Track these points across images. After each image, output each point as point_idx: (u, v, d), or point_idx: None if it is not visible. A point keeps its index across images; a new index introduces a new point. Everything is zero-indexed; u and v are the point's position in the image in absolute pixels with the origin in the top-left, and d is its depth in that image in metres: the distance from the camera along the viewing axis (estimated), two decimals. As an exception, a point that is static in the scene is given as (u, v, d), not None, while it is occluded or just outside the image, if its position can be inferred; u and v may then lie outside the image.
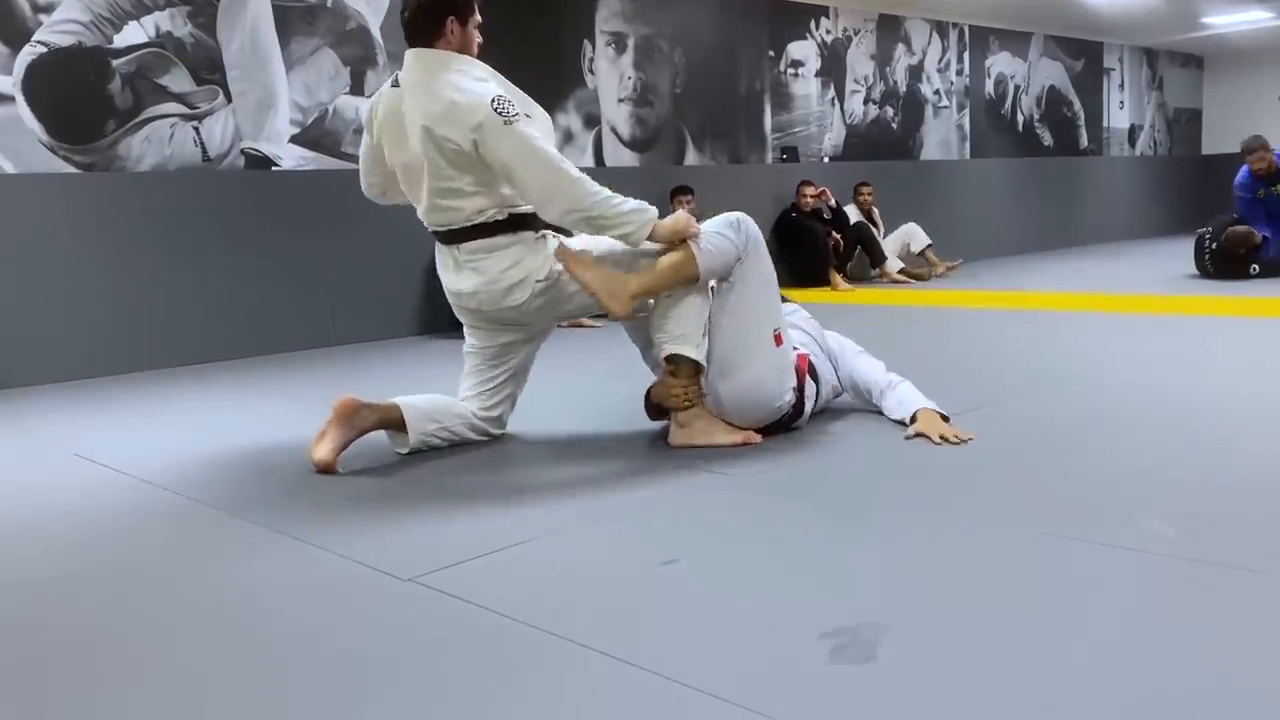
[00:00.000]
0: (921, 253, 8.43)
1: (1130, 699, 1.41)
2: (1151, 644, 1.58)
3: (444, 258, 3.03)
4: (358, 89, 5.93)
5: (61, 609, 1.96)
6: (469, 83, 2.77)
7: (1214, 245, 7.09)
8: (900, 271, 8.24)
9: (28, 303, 4.72)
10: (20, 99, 4.72)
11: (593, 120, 7.16)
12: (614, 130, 7.30)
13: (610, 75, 7.25)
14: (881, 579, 1.91)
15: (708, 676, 1.52)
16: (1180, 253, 8.20)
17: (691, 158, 7.82)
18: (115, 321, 4.99)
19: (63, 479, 2.96)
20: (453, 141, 2.72)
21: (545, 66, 6.86)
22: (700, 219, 2.95)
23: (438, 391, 3.18)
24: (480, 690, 1.54)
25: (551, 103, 6.93)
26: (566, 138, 7.01)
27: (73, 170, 4.89)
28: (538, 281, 2.86)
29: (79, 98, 4.91)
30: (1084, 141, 11.82)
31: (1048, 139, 11.31)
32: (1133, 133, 12.59)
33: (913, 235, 8.44)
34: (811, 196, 8.00)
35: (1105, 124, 12.11)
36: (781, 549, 2.11)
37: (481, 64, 2.88)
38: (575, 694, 1.51)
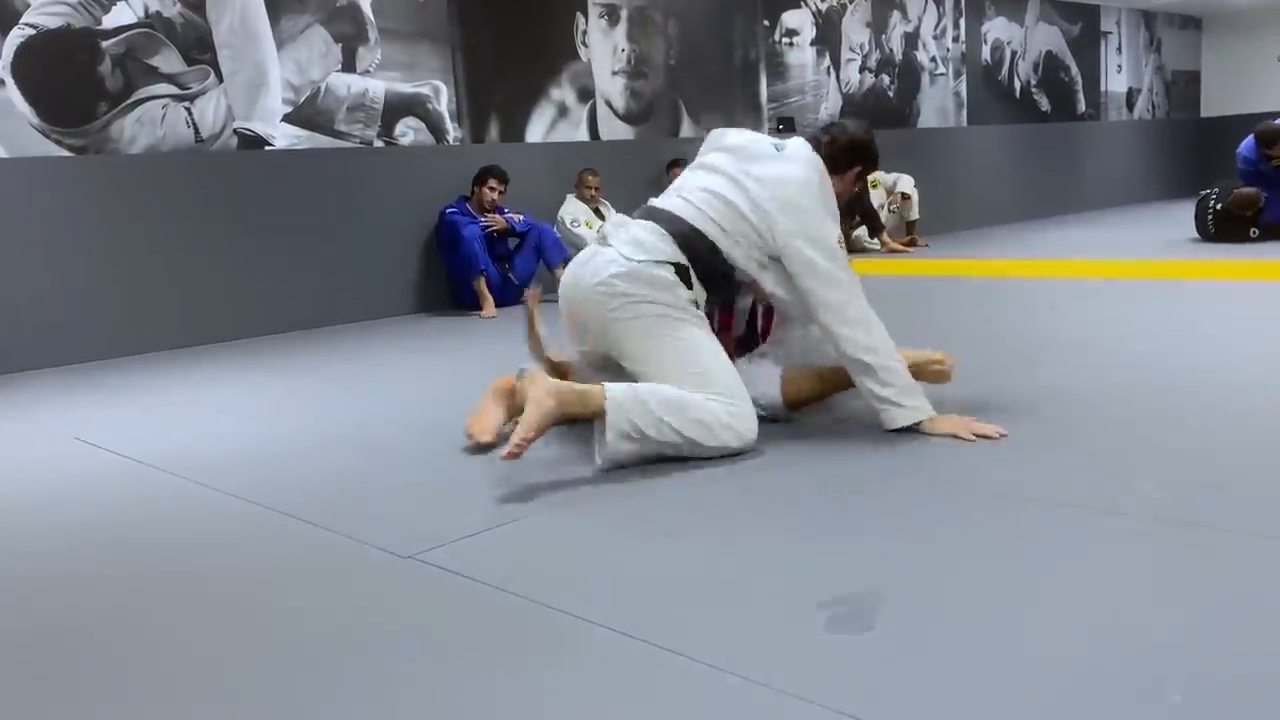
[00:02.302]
0: (911, 224, 8.43)
1: (1127, 665, 1.41)
2: (1148, 610, 1.59)
3: None
4: (349, 66, 5.89)
5: (64, 592, 1.97)
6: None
7: (1218, 206, 7.06)
8: (904, 241, 8.26)
9: (22, 288, 4.71)
10: (10, 82, 4.69)
11: (586, 93, 7.11)
12: (608, 103, 7.26)
13: (603, 47, 7.20)
14: (879, 550, 1.91)
15: (706, 646, 1.53)
16: (1180, 217, 8.18)
17: (687, 129, 7.78)
18: (111, 305, 4.98)
19: (63, 463, 2.97)
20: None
21: (537, 39, 6.82)
22: None
23: (439, 374, 3.16)
24: (481, 664, 1.54)
25: (544, 75, 6.89)
26: (561, 112, 6.98)
27: (65, 154, 4.87)
28: None
29: (69, 80, 4.88)
30: (1082, 106, 11.76)
31: (1045, 104, 11.25)
32: (1130, 96, 12.52)
33: (906, 187, 8.40)
34: None
35: (1103, 88, 12.05)
36: (780, 522, 2.12)
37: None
38: (575, 667, 1.52)
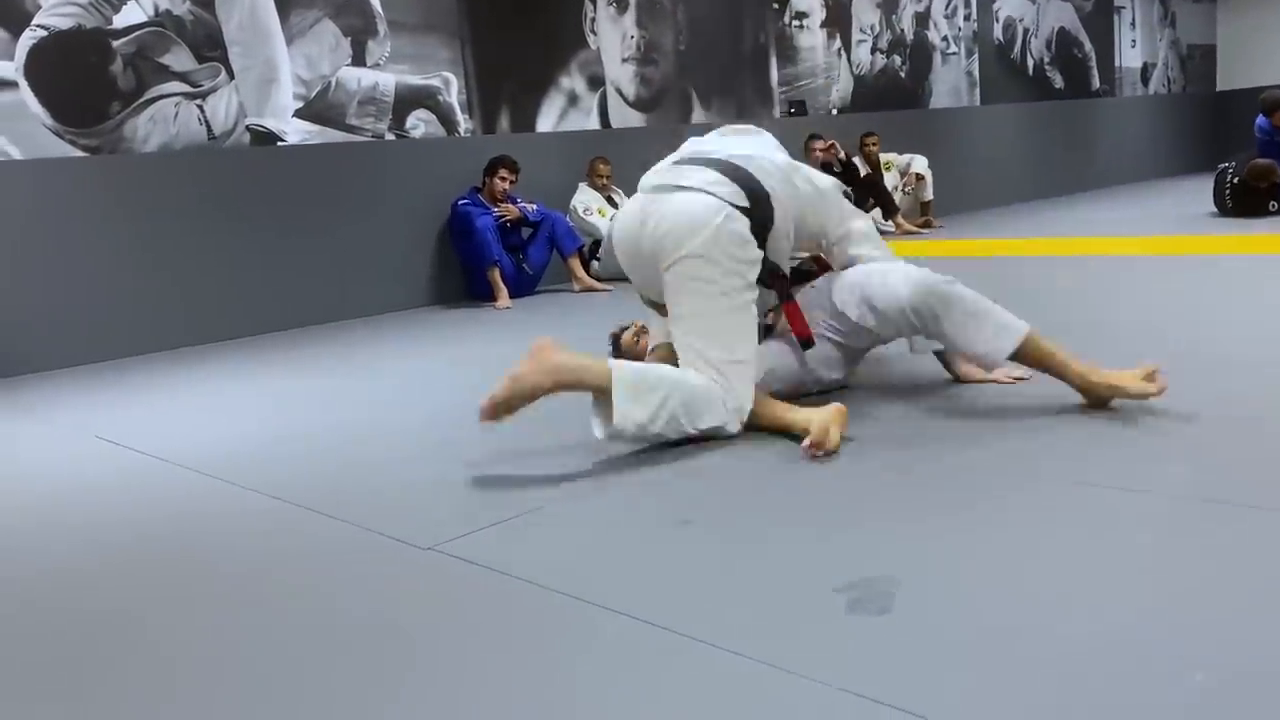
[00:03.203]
0: (925, 205, 8.38)
1: (1153, 645, 1.41)
2: (1173, 590, 1.58)
3: None
4: (359, 60, 5.90)
5: (90, 587, 1.99)
6: None
7: (1235, 180, 7.00)
8: (918, 222, 8.22)
9: (40, 289, 4.75)
10: (23, 84, 4.72)
11: (596, 81, 7.10)
12: (618, 91, 7.25)
13: (612, 35, 7.18)
14: (898, 532, 1.91)
15: (725, 632, 1.53)
16: (1197, 191, 8.11)
17: (698, 115, 7.76)
18: (127, 304, 5.02)
19: (84, 461, 3.00)
20: None
21: (546, 28, 6.80)
22: None
23: (454, 366, 3.17)
24: (502, 654, 1.55)
25: (553, 64, 6.88)
26: (571, 100, 6.97)
27: (79, 154, 4.90)
28: None
29: (82, 80, 4.91)
30: (1096, 83, 11.66)
31: (1059, 82, 11.16)
32: (1145, 72, 12.41)
33: (920, 168, 8.33)
34: (821, 151, 7.93)
35: (1117, 64, 11.94)
36: (795, 506, 2.12)
37: None
38: (596, 655, 1.52)
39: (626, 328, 3.27)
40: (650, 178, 2.72)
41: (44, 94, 4.79)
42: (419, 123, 6.19)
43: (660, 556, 1.90)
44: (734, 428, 2.54)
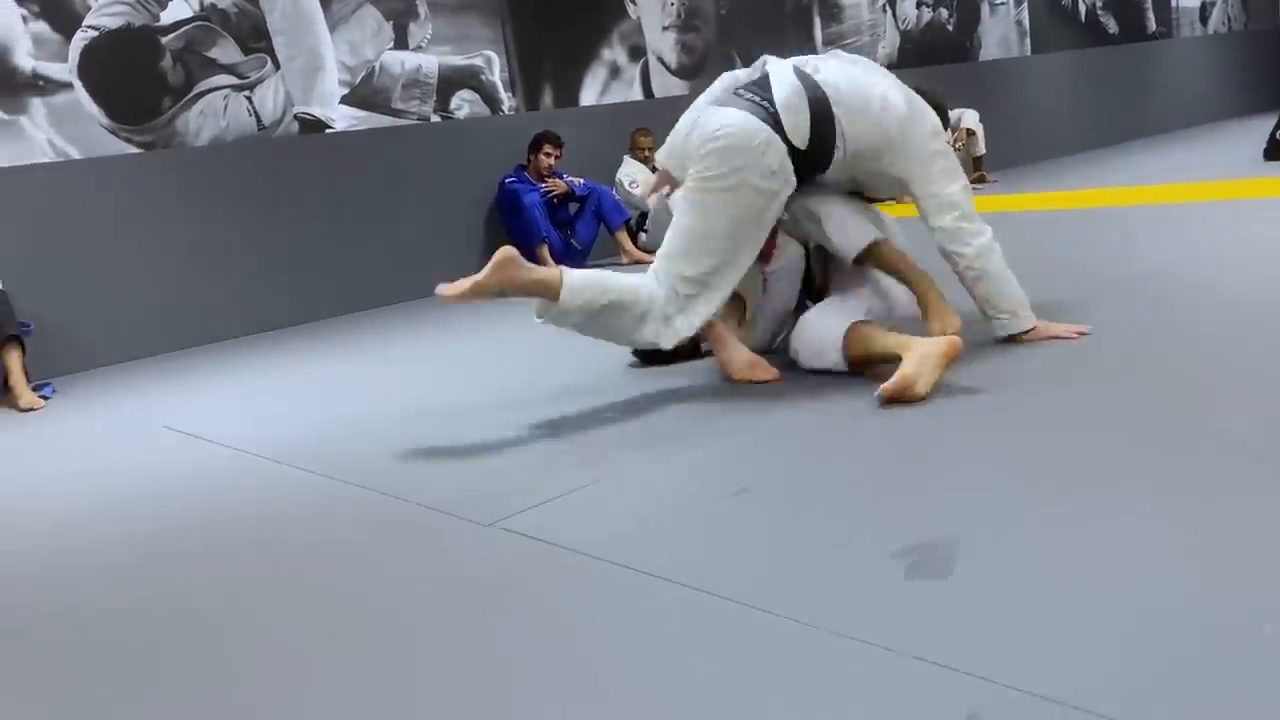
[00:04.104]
0: (978, 159, 8.20)
1: (1219, 600, 1.39)
2: (1236, 545, 1.56)
3: None
4: (401, 43, 5.93)
5: (166, 569, 2.06)
6: None
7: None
8: (972, 178, 8.05)
9: (104, 284, 4.87)
10: (78, 84, 4.82)
11: (638, 51, 7.06)
12: (660, 60, 7.20)
13: (652, 3, 7.12)
14: (955, 495, 1.90)
15: (785, 600, 1.54)
16: (1261, 133, 7.84)
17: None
18: (187, 296, 5.12)
19: (155, 451, 3.08)
20: None
21: (585, 1, 6.77)
22: None
23: (507, 344, 3.20)
24: (563, 627, 1.58)
25: (594, 37, 6.85)
26: (613, 72, 6.94)
27: (135, 150, 5.00)
28: None
29: (133, 78, 5.00)
30: (1152, 25, 11.31)
31: (1113, 26, 10.85)
32: (1204, 10, 12.01)
33: (971, 123, 8.15)
34: None
35: (1174, 4, 11.57)
36: (850, 473, 2.11)
37: None
38: (655, 625, 1.54)
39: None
40: (728, 79, 2.92)
41: (98, 93, 4.89)
42: (463, 103, 6.22)
43: (717, 526, 1.91)
44: (666, 344, 2.69)
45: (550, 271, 2.64)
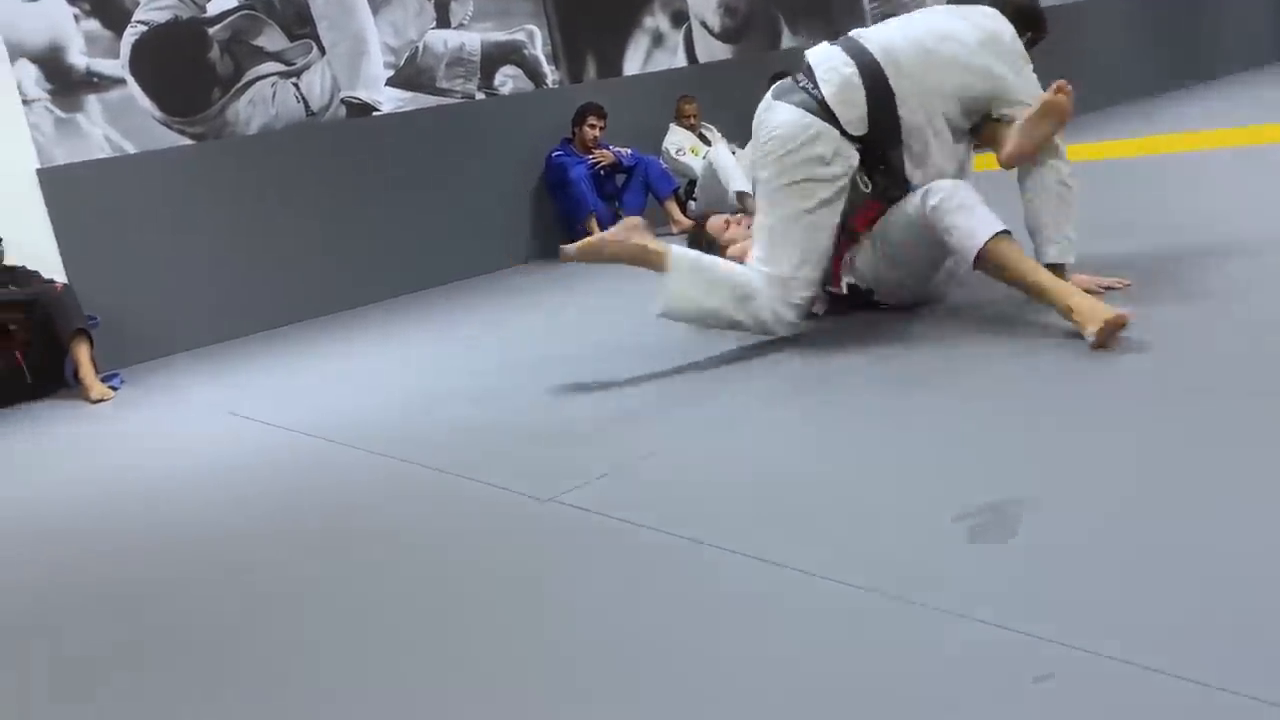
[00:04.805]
0: None
1: (1290, 552, 1.36)
2: (1312, 493, 1.51)
3: None
4: (443, 22, 5.93)
5: (237, 550, 2.11)
6: None
7: None
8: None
9: (165, 275, 4.96)
10: (130, 80, 4.91)
11: (680, 17, 6.99)
12: (704, 24, 7.12)
13: (693, -32, 7.04)
14: (1019, 456, 1.87)
15: (846, 567, 1.53)
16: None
17: (787, 40, 7.57)
18: (244, 284, 5.21)
19: (222, 436, 3.15)
20: None
21: (626, -31, 6.71)
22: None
23: (560, 320, 3.23)
24: (623, 599, 1.59)
25: (636, 6, 6.80)
26: (655, 40, 6.88)
27: (188, 142, 5.08)
28: None
29: (183, 70, 5.07)
30: (1212, -39, 10.90)
31: (1171, -35, 10.48)
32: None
33: None
34: None
35: (1235, -62, 11.14)
36: (908, 437, 2.09)
37: None
38: (716, 595, 1.55)
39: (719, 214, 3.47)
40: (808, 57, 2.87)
41: (149, 87, 4.97)
42: (507, 79, 6.21)
43: (777, 494, 1.90)
44: (782, 331, 2.80)
45: (661, 243, 2.83)
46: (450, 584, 1.78)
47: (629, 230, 2.82)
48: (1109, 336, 2.30)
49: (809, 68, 2.80)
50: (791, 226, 2.74)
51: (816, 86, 2.73)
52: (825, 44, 2.88)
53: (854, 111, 2.70)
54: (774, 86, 2.91)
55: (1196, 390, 2.02)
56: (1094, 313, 2.33)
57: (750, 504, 1.88)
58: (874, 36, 2.81)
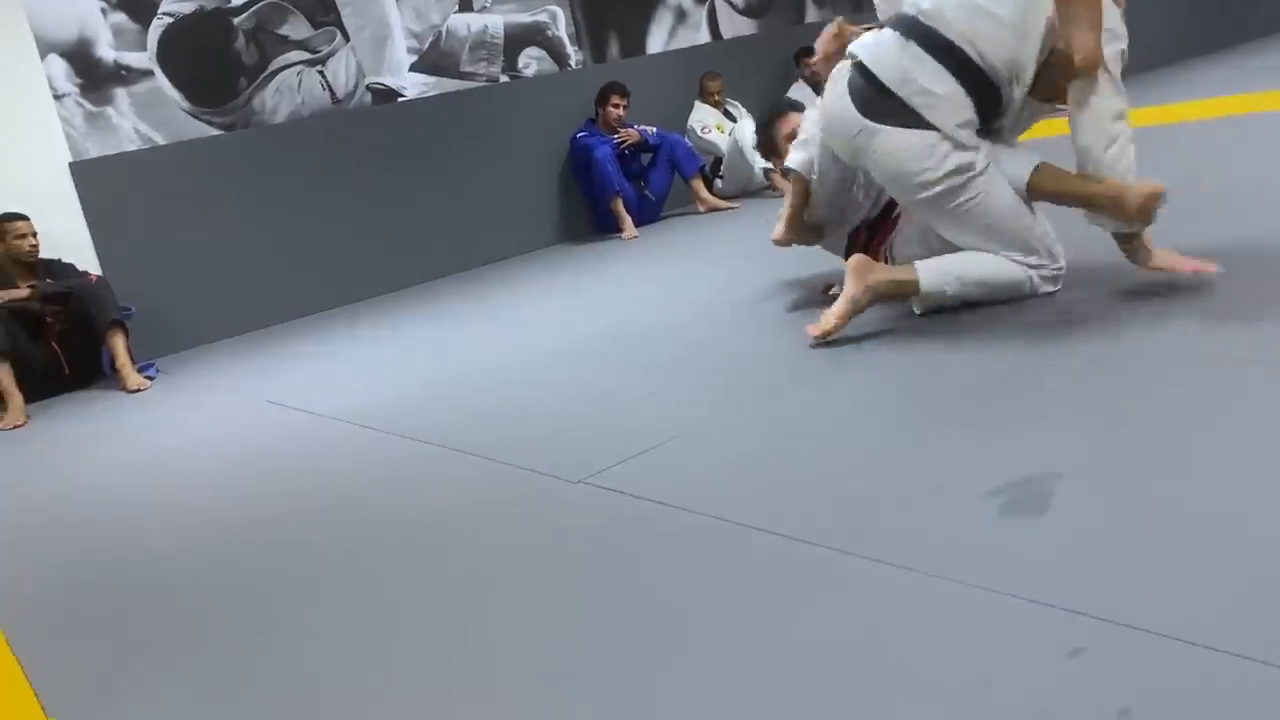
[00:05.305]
0: None
1: (1329, 523, 1.34)
2: (1351, 463, 1.49)
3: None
4: (466, 5, 5.93)
5: (276, 533, 2.14)
6: None
7: None
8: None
9: (197, 265, 5.02)
10: (158, 71, 4.95)
11: (703, -6, 6.94)
12: (727, 0, 7.07)
13: (715, -57, 6.98)
14: (1049, 429, 1.86)
15: (878, 544, 1.53)
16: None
17: (812, 14, 7.50)
18: (278, 271, 5.25)
19: (260, 424, 3.19)
20: None
21: (647, -53, 6.67)
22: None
23: (588, 302, 3.21)
24: (656, 578, 1.60)
25: (659, -16, 6.75)
26: (678, 17, 6.84)
27: (216, 132, 5.12)
28: None
29: (209, 61, 5.10)
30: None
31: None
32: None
33: None
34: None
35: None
36: (942, 411, 2.08)
37: None
38: (748, 574, 1.55)
39: (787, 111, 3.44)
40: (868, 50, 2.61)
41: (177, 78, 5.01)
42: (530, 60, 6.20)
43: (808, 472, 1.91)
44: (1046, 287, 2.63)
45: (905, 268, 2.66)
46: (485, 566, 1.80)
47: (861, 273, 2.63)
48: (1146, 210, 2.38)
49: (908, 50, 2.56)
50: (997, 225, 2.60)
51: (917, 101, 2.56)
52: (861, 45, 2.68)
53: (952, 102, 2.56)
54: (836, 99, 2.67)
55: (1243, 362, 2.00)
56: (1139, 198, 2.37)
57: (781, 483, 1.88)
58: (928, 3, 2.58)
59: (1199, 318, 2.27)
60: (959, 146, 2.52)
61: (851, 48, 2.68)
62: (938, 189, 2.55)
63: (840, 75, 2.68)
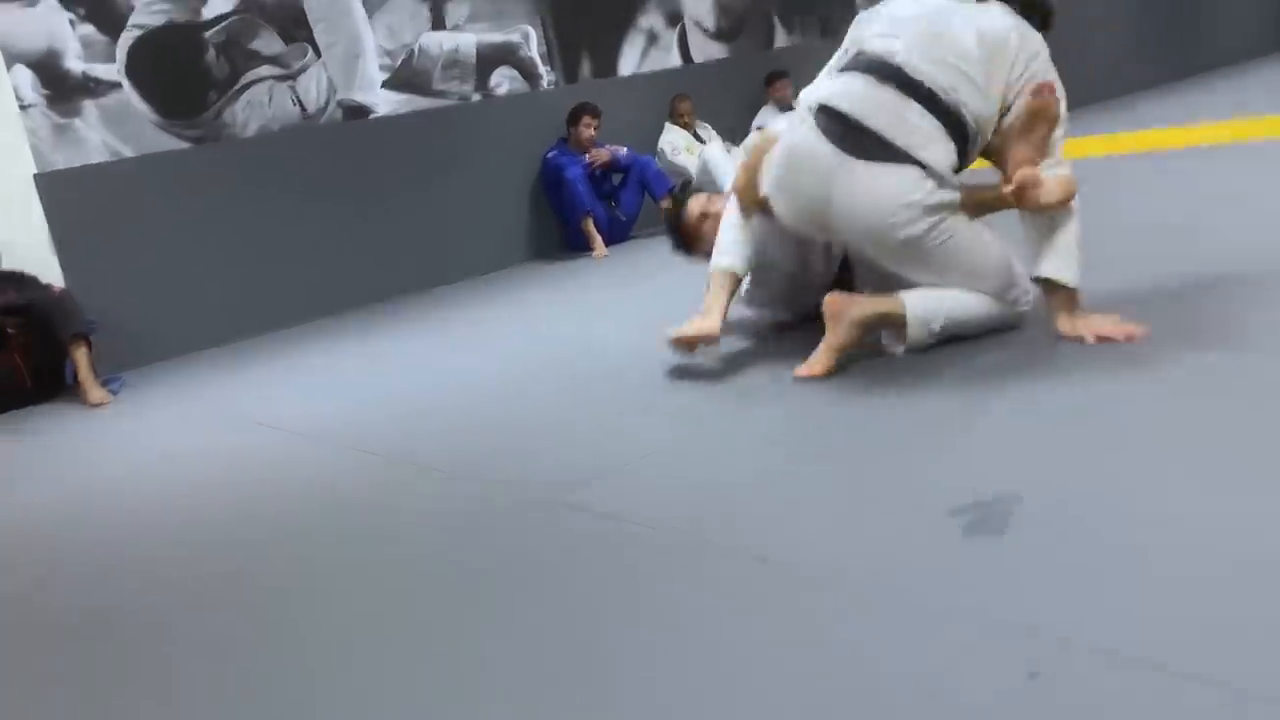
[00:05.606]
0: None
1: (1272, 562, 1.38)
2: (1300, 488, 1.54)
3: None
4: (439, 24, 5.95)
5: (238, 555, 2.13)
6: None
7: None
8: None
9: (164, 278, 4.98)
10: (127, 84, 4.92)
11: (675, 16, 7.01)
12: (698, 24, 7.14)
13: (687, -32, 7.06)
14: (1010, 449, 1.90)
15: (843, 564, 1.55)
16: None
17: (781, 40, 7.59)
18: (245, 286, 5.22)
19: (222, 439, 3.17)
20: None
21: (620, -30, 6.73)
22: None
23: (558, 320, 3.22)
24: (622, 598, 1.61)
25: (630, 6, 6.82)
26: (650, 39, 6.90)
27: (185, 145, 5.09)
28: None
29: (179, 74, 5.08)
30: (1204, -43, 10.95)
31: (1163, -39, 10.52)
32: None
33: None
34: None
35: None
36: (903, 434, 2.11)
37: None
38: (714, 595, 1.57)
39: (683, 200, 3.22)
40: (837, 95, 2.49)
41: (146, 91, 4.98)
42: (503, 79, 6.23)
43: (775, 492, 1.93)
44: (1022, 307, 2.59)
45: (890, 299, 2.53)
46: (457, 586, 1.80)
47: (839, 313, 2.51)
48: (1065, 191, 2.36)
49: (877, 93, 2.49)
50: (956, 253, 2.52)
51: (891, 134, 2.48)
52: (838, 92, 2.56)
53: (938, 152, 2.49)
54: (822, 106, 2.54)
55: (1188, 393, 2.05)
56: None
57: (748, 502, 1.90)
58: (905, 51, 2.51)
59: (1140, 360, 2.32)
60: (944, 185, 2.42)
61: (813, 97, 2.54)
62: (921, 225, 2.41)
63: (799, 121, 2.54)
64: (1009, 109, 2.47)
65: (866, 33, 2.59)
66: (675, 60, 7.02)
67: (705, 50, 7.17)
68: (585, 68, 6.61)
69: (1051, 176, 2.40)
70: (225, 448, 3.07)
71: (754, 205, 2.73)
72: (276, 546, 2.16)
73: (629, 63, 6.80)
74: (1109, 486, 1.67)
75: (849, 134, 2.44)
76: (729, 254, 2.80)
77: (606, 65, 6.70)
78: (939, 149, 2.43)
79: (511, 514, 2.07)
